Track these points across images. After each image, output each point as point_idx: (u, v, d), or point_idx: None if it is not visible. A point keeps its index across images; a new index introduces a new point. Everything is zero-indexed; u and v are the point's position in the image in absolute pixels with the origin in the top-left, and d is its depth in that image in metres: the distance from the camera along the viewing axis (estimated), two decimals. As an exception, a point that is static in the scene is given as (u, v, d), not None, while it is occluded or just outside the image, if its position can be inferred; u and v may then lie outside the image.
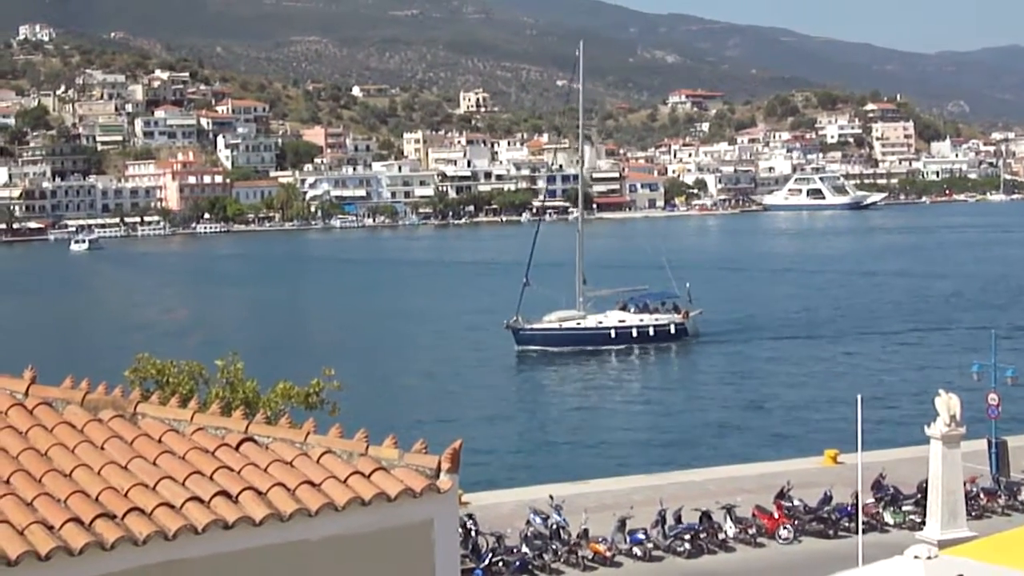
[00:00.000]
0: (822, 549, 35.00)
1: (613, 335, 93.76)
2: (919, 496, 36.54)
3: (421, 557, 10.81)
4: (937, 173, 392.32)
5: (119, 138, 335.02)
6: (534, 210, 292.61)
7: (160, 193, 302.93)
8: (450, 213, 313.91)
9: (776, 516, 36.44)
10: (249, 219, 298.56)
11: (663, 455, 56.10)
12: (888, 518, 37.26)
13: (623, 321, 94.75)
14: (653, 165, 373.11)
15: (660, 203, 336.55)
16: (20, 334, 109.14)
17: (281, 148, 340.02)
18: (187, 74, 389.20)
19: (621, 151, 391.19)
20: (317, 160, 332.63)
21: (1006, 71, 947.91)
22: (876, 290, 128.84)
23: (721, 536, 35.72)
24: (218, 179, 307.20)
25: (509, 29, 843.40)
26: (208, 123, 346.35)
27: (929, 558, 17.59)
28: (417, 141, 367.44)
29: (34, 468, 10.20)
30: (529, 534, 34.35)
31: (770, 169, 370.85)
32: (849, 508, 35.93)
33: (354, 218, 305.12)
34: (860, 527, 30.64)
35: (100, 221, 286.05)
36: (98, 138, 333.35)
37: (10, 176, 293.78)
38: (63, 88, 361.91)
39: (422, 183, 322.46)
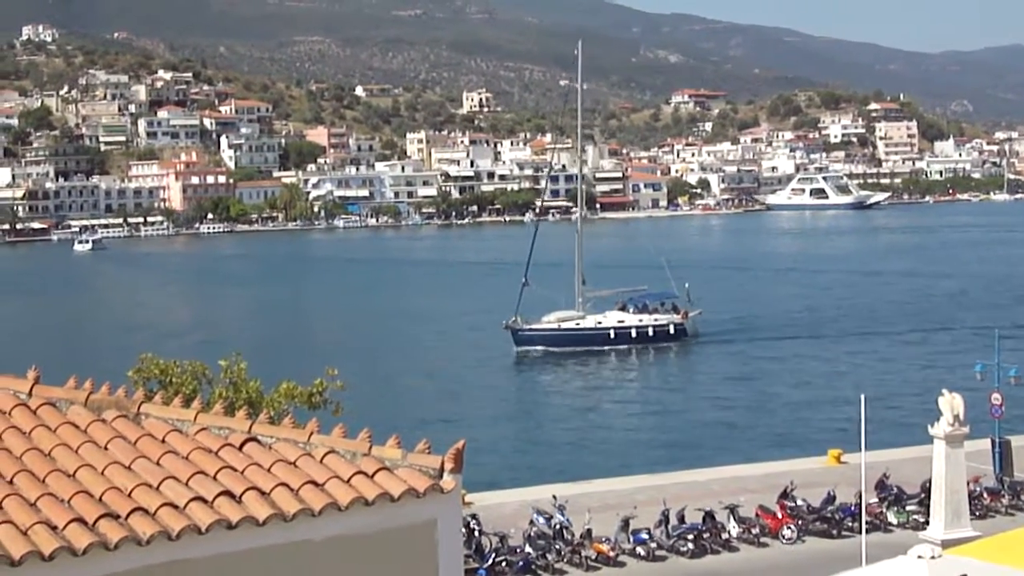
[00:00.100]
0: (825, 549, 34.98)
1: (612, 335, 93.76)
2: (923, 496, 36.51)
3: (425, 557, 10.81)
4: (940, 173, 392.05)
5: (122, 138, 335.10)
6: (537, 210, 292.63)
7: (163, 193, 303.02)
8: (453, 213, 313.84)
9: (780, 516, 36.42)
10: (252, 219, 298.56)
11: (665, 455, 56.08)
12: (892, 518, 37.24)
13: (622, 321, 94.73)
14: (656, 165, 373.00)
15: (663, 203, 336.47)
16: (24, 334, 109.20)
17: (284, 148, 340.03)
18: (190, 74, 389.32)
19: (624, 151, 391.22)
20: (320, 160, 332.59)
21: (1010, 71, 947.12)
22: (879, 290, 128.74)
23: (724, 536, 35.71)
24: (221, 179, 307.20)
25: (512, 29, 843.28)
26: (211, 123, 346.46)
27: (933, 558, 17.59)
28: (420, 141, 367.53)
29: (38, 468, 10.20)
30: (532, 534, 34.35)
31: (773, 169, 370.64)
32: (853, 508, 35.91)
33: (357, 218, 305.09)
34: (863, 527, 30.60)
35: (103, 221, 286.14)
36: (101, 138, 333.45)
37: (13, 176, 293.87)
38: (66, 88, 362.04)
39: (425, 183, 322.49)
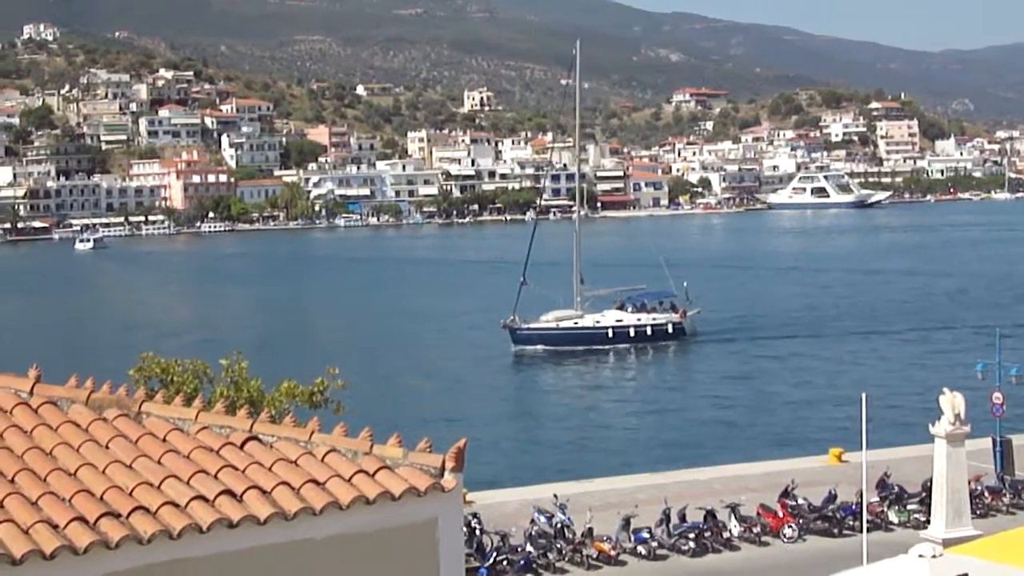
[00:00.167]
0: (826, 548, 34.98)
1: (610, 334, 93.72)
2: (924, 495, 36.50)
3: (425, 556, 10.81)
4: (942, 171, 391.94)
5: (123, 137, 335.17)
6: (538, 209, 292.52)
7: (164, 192, 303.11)
8: (454, 212, 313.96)
9: (780, 515, 36.43)
10: (253, 218, 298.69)
11: (666, 454, 56.07)
12: (893, 517, 37.24)
13: (620, 321, 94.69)
14: (657, 164, 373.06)
15: (664, 202, 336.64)
16: (25, 333, 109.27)
17: (285, 147, 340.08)
18: (191, 73, 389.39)
19: (625, 150, 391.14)
20: (321, 159, 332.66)
21: (1011, 69, 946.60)
22: (881, 289, 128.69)
23: (725, 535, 35.72)
24: (222, 178, 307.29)
25: (513, 28, 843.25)
26: (212, 122, 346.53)
27: (934, 557, 17.59)
28: (421, 140, 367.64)
29: (39, 467, 10.21)
30: (533, 533, 34.36)
31: (774, 167, 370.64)
32: (854, 507, 35.91)
33: (358, 217, 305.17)
34: (864, 526, 30.62)
35: (104, 220, 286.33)
36: (102, 137, 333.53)
37: (15, 175, 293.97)
38: (67, 87, 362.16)
39: (426, 182, 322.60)
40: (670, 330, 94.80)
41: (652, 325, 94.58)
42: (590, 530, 34.39)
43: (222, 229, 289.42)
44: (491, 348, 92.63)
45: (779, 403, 70.94)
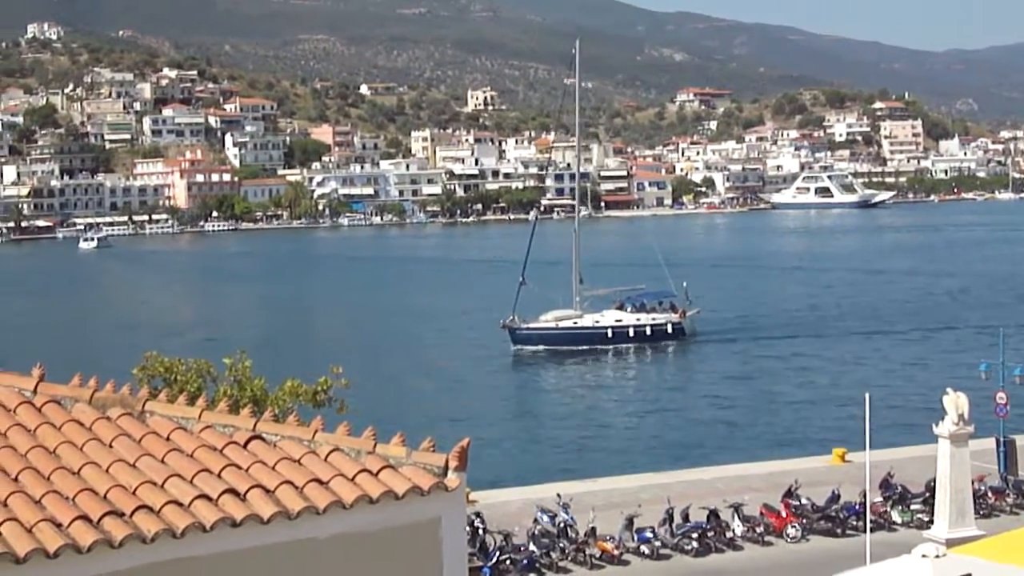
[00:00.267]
0: (830, 548, 34.96)
1: (610, 334, 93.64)
2: (927, 495, 36.49)
3: (429, 555, 10.81)
4: (945, 171, 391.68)
5: (127, 136, 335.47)
6: (542, 208, 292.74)
7: (168, 191, 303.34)
8: (458, 211, 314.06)
9: (784, 515, 36.41)
10: (257, 217, 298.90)
11: (669, 454, 56.06)
12: (896, 517, 37.22)
13: (620, 320, 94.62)
14: (661, 163, 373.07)
15: (668, 201, 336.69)
16: (29, 332, 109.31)
17: (289, 146, 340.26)
18: (195, 72, 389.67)
19: (629, 149, 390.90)
20: (325, 158, 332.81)
21: (1014, 69, 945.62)
22: (884, 288, 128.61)
23: (729, 535, 35.71)
24: (226, 177, 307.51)
25: (517, 27, 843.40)
26: (216, 121, 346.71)
27: (937, 557, 17.58)
28: (425, 139, 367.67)
29: (42, 466, 10.21)
30: (536, 532, 34.35)
31: (778, 167, 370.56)
32: (857, 507, 35.90)
33: (362, 216, 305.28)
34: (868, 526, 30.59)
35: (108, 219, 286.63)
36: (106, 136, 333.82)
37: (18, 174, 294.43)
38: (71, 86, 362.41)
39: (430, 181, 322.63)
40: (669, 330, 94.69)
41: (651, 325, 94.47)
42: (593, 530, 34.38)
43: (226, 228, 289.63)
44: (492, 348, 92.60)
45: (782, 403, 70.89)
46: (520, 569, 33.07)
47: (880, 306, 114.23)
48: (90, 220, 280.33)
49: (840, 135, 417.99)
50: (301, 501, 10.19)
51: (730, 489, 40.45)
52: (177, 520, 9.66)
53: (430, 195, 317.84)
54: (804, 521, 36.33)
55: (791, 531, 36.04)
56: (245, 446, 10.99)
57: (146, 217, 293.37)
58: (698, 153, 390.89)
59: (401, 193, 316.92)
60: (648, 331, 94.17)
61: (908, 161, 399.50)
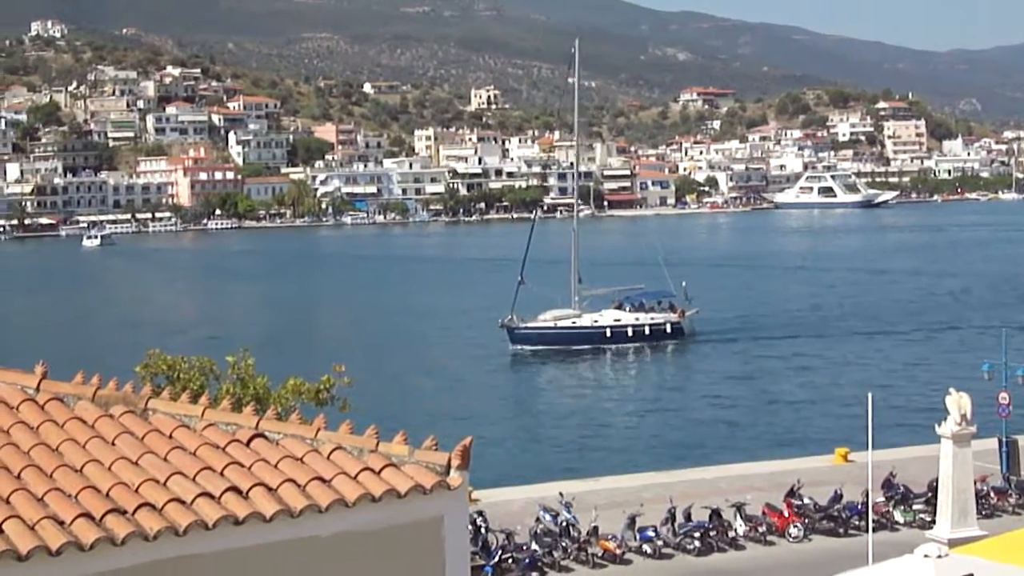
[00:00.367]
0: (832, 547, 34.96)
1: (608, 334, 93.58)
2: (929, 495, 36.50)
3: (431, 554, 10.82)
4: (949, 171, 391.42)
5: (131, 134, 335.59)
6: (545, 207, 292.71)
7: (171, 189, 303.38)
8: (461, 210, 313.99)
9: (786, 514, 36.41)
10: (260, 215, 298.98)
11: (671, 453, 56.06)
12: (898, 517, 37.22)
13: (618, 320, 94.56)
14: (664, 163, 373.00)
15: (671, 201, 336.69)
16: (32, 329, 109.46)
17: (292, 145, 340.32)
18: (199, 70, 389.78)
19: (632, 149, 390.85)
20: (328, 157, 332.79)
21: (1018, 69, 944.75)
22: (887, 288, 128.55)
23: (731, 534, 35.71)
24: (229, 175, 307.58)
25: (520, 26, 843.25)
26: (219, 119, 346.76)
27: (939, 557, 17.57)
28: (428, 138, 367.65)
29: (45, 463, 10.22)
30: (539, 531, 34.36)
31: (781, 167, 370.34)
32: (859, 506, 35.90)
33: (365, 215, 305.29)
34: (870, 526, 30.57)
35: (111, 217, 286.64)
36: (110, 134, 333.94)
37: (22, 172, 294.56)
38: (75, 84, 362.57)
39: (433, 180, 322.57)
40: (668, 330, 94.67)
41: (650, 325, 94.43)
42: (595, 529, 34.38)
43: (229, 226, 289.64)
44: (492, 347, 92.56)
45: (784, 403, 70.87)
46: (522, 568, 33.07)
47: (883, 306, 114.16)
48: (93, 218, 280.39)
49: (843, 135, 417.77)
50: (303, 499, 10.19)
51: (732, 488, 40.45)
52: (179, 518, 9.67)
53: (433, 194, 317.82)
54: (806, 521, 36.33)
55: (793, 531, 36.04)
56: (248, 444, 10.99)
57: (149, 215, 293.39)
58: (701, 153, 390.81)
59: (404, 192, 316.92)
60: (647, 331, 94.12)
61: (911, 161, 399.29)
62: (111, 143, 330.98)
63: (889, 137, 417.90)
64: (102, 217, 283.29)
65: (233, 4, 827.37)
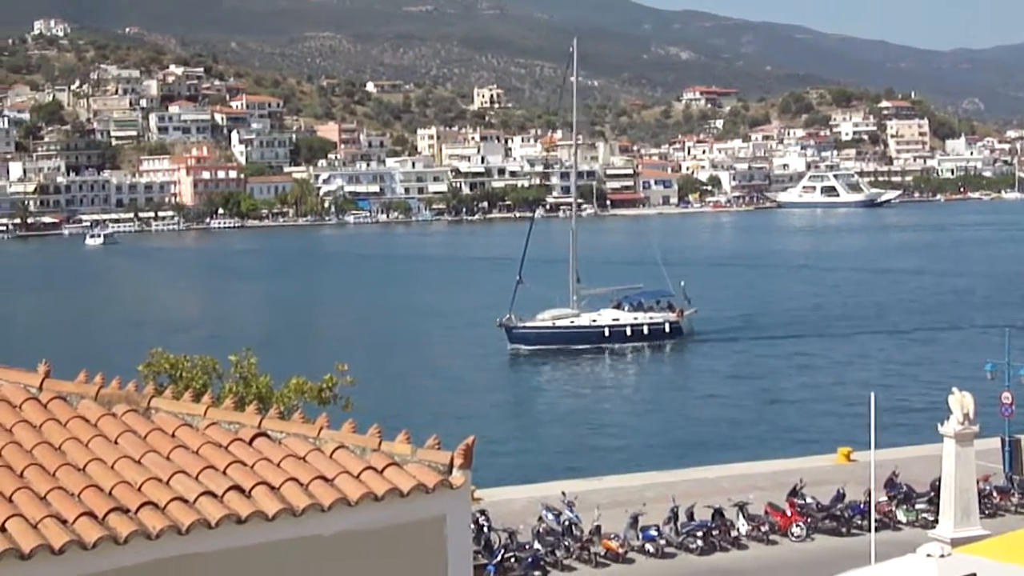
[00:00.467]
0: (835, 547, 34.98)
1: (607, 334, 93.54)
2: (932, 494, 36.51)
3: (434, 553, 10.82)
4: (952, 171, 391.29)
5: (133, 133, 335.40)
6: (547, 206, 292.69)
7: (174, 188, 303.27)
8: (463, 209, 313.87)
9: (789, 514, 36.43)
10: (263, 214, 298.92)
11: (673, 453, 56.05)
12: (901, 516, 37.23)
13: (617, 320, 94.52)
14: (667, 162, 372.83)
15: (674, 200, 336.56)
16: (35, 328, 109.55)
17: (295, 143, 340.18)
18: (201, 69, 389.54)
19: (635, 148, 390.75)
20: (331, 156, 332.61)
21: (1021, 69, 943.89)
22: (890, 288, 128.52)
23: (733, 533, 35.73)
24: (232, 174, 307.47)
25: (523, 25, 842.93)
26: (222, 118, 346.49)
27: (942, 556, 17.58)
28: (431, 137, 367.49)
29: (48, 462, 10.22)
30: (541, 530, 34.39)
31: (784, 166, 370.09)
32: (862, 506, 35.91)
33: (367, 214, 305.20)
34: (873, 525, 30.60)
35: (114, 216, 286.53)
36: (112, 133, 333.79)
37: (25, 171, 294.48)
38: (78, 83, 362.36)
39: (436, 179, 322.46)
40: (667, 329, 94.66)
41: (649, 324, 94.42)
42: (598, 528, 34.40)
43: (232, 225, 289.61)
44: (493, 346, 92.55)
45: (787, 402, 70.91)
46: (525, 567, 33.09)
47: (886, 305, 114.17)
48: (96, 217, 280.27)
49: (846, 134, 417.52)
50: (306, 498, 10.20)
51: (735, 488, 40.46)
52: (182, 517, 9.67)
53: (436, 193, 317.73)
54: (809, 520, 36.35)
55: (796, 530, 36.06)
56: (250, 443, 11.00)
57: (152, 214, 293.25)
58: (704, 152, 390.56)
59: (407, 191, 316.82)
60: (645, 330, 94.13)
61: (914, 160, 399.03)
62: (114, 142, 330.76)
63: (892, 136, 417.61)
64: (105, 216, 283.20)
65: (236, 3, 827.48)
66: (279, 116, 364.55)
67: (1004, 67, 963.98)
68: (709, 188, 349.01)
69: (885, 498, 37.23)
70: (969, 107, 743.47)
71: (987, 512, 36.62)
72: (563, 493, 36.84)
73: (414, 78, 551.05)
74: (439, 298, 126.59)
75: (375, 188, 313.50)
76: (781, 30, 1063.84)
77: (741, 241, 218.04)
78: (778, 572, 33.74)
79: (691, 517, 35.54)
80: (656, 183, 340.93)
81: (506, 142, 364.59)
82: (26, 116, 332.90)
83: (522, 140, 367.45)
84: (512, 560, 33.10)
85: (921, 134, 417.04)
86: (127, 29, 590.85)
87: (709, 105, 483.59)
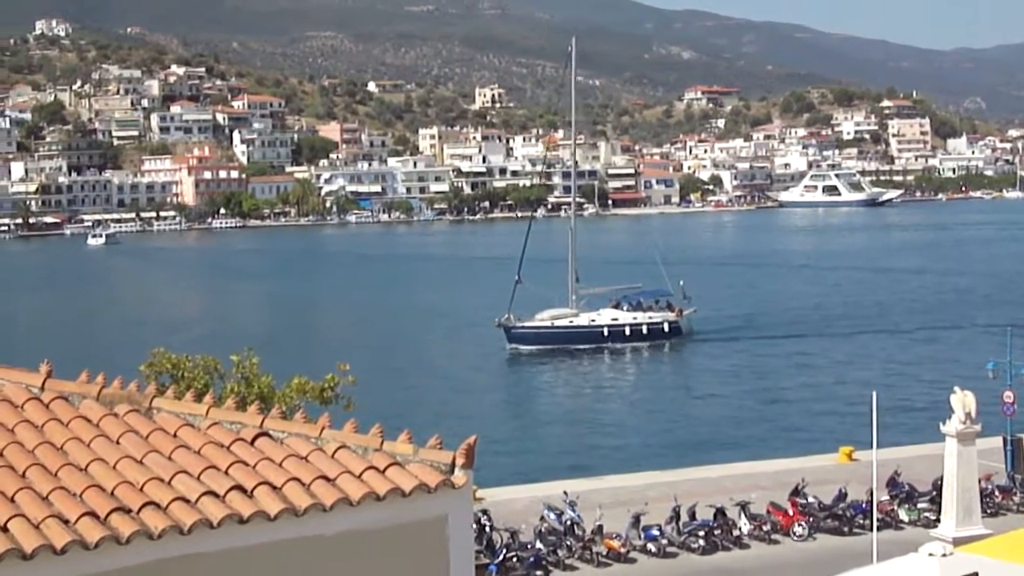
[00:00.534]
0: (837, 546, 34.97)
1: (606, 333, 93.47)
2: (934, 493, 36.50)
3: (435, 553, 10.82)
4: (953, 170, 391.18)
5: (135, 133, 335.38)
6: (549, 206, 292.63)
7: (176, 188, 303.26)
8: (465, 209, 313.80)
9: (791, 513, 36.42)
10: (264, 214, 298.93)
11: (674, 452, 56.02)
12: (903, 515, 37.22)
13: (616, 319, 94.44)
14: (668, 161, 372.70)
15: (676, 199, 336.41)
16: (36, 328, 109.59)
17: (297, 143, 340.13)
18: (203, 69, 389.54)
19: (637, 147, 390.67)
20: (332, 155, 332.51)
21: (1022, 68, 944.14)
22: (891, 287, 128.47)
23: (735, 533, 35.73)
24: (234, 174, 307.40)
25: (524, 25, 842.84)
26: (224, 118, 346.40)
27: (944, 555, 17.57)
28: (432, 137, 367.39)
29: (50, 462, 10.23)
30: (543, 530, 34.38)
31: (786, 165, 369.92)
32: (864, 505, 35.90)
33: (369, 214, 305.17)
34: (875, 524, 30.60)
35: (116, 216, 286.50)
36: (114, 133, 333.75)
37: (26, 171, 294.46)
38: (79, 83, 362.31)
39: (437, 179, 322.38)
40: (666, 329, 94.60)
41: (648, 324, 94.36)
42: (600, 527, 34.40)
43: (233, 225, 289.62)
44: (494, 346, 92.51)
45: (789, 402, 70.88)
46: (527, 567, 33.09)
47: (887, 304, 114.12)
48: (98, 217, 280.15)
49: (848, 133, 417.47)
50: (308, 498, 10.20)
51: (737, 487, 40.44)
52: (184, 517, 9.68)
53: (437, 192, 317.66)
54: (811, 519, 36.35)
55: (798, 529, 36.06)
56: (252, 443, 11.00)
57: (154, 214, 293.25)
58: (706, 151, 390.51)
59: (408, 190, 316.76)
60: (644, 330, 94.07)
61: (916, 159, 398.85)
62: (115, 142, 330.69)
63: (893, 135, 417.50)
64: (106, 216, 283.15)
65: (238, 3, 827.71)
66: (281, 116, 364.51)
67: (1006, 66, 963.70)
68: (711, 187, 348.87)
69: (887, 497, 37.22)
70: (971, 106, 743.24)
71: (989, 511, 36.61)
72: (565, 493, 36.84)
73: (416, 78, 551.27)
74: (441, 298, 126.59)
75: (377, 188, 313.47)
76: (783, 29, 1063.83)
77: (742, 240, 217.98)
78: (780, 571, 33.74)
79: (693, 516, 35.54)
80: (658, 183, 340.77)
81: (508, 142, 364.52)
82: (28, 116, 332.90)
83: (524, 140, 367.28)
84: (514, 560, 33.10)
85: (923, 133, 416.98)
86: (129, 29, 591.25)
87: (711, 104, 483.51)
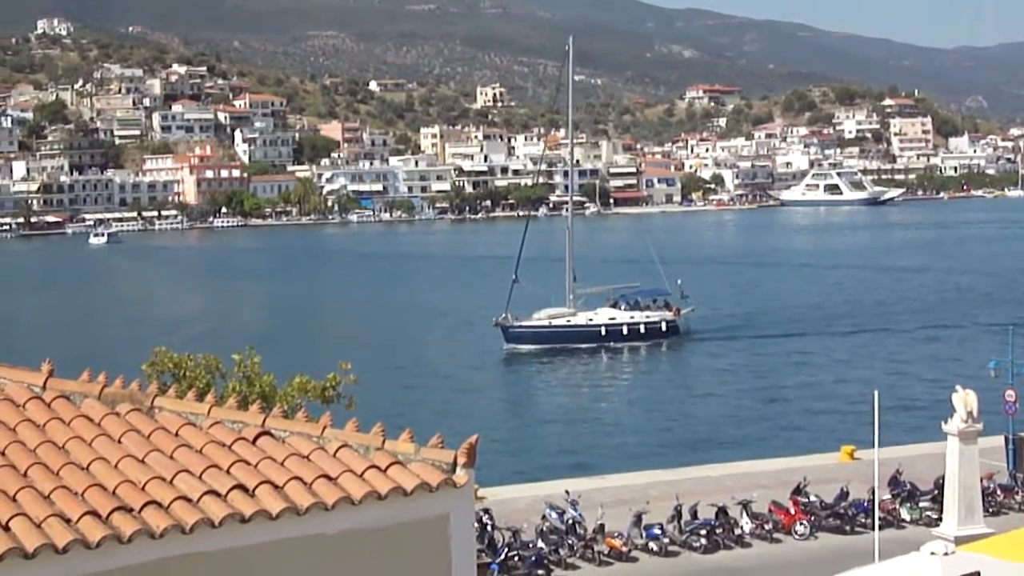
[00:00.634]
0: (838, 545, 34.96)
1: (603, 333, 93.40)
2: (936, 492, 36.47)
3: (437, 551, 10.82)
4: (955, 169, 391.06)
5: (137, 132, 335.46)
6: (551, 204, 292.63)
7: (177, 187, 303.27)
8: (466, 208, 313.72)
9: (792, 512, 36.41)
10: (266, 213, 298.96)
11: (675, 451, 56.00)
12: (905, 514, 37.20)
13: (614, 319, 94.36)
14: (670, 160, 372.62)
15: (677, 198, 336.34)
16: (38, 327, 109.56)
17: (298, 142, 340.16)
18: (205, 68, 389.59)
19: (638, 146, 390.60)
20: (334, 154, 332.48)
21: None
22: (893, 285, 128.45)
23: (737, 531, 35.71)
24: (235, 173, 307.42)
25: (526, 24, 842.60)
26: (225, 117, 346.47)
27: (946, 554, 17.57)
28: (434, 136, 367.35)
29: (51, 461, 10.23)
30: (545, 529, 34.36)
31: (787, 164, 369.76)
32: (866, 504, 35.89)
33: (370, 213, 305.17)
34: (876, 523, 30.58)
35: (117, 215, 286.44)
36: (116, 132, 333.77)
37: (28, 170, 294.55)
38: (81, 82, 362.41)
39: (439, 178, 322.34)
40: (663, 328, 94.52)
41: (645, 323, 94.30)
42: (601, 526, 34.39)
43: (235, 224, 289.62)
44: (493, 345, 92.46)
45: (789, 400, 70.85)
46: (528, 565, 33.07)
47: (889, 303, 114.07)
48: (99, 216, 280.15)
49: (849, 132, 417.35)
50: (310, 497, 10.20)
51: (739, 486, 40.42)
52: (186, 516, 9.68)
53: (439, 191, 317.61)
54: (813, 518, 36.33)
55: (800, 528, 36.04)
56: (254, 442, 11.00)
57: (155, 213, 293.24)
58: (707, 150, 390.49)
59: (410, 189, 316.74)
60: (642, 329, 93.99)
61: (918, 158, 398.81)
62: (117, 141, 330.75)
63: (895, 134, 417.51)
64: (108, 215, 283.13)
65: (239, 2, 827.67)
66: (282, 115, 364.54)
67: (1007, 65, 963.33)
68: (712, 186, 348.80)
69: (889, 496, 37.21)
70: (972, 105, 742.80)
71: (991, 510, 36.60)
72: (566, 492, 36.82)
73: (417, 77, 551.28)
74: (442, 297, 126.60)
75: (378, 187, 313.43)
76: (784, 28, 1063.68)
77: (744, 239, 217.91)
78: (782, 570, 33.73)
79: (695, 515, 35.53)
80: (659, 181, 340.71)
81: (509, 141, 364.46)
82: (29, 115, 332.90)
83: (525, 139, 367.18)
84: (516, 559, 33.09)
85: (924, 132, 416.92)
86: (130, 28, 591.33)
87: (712, 103, 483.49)
